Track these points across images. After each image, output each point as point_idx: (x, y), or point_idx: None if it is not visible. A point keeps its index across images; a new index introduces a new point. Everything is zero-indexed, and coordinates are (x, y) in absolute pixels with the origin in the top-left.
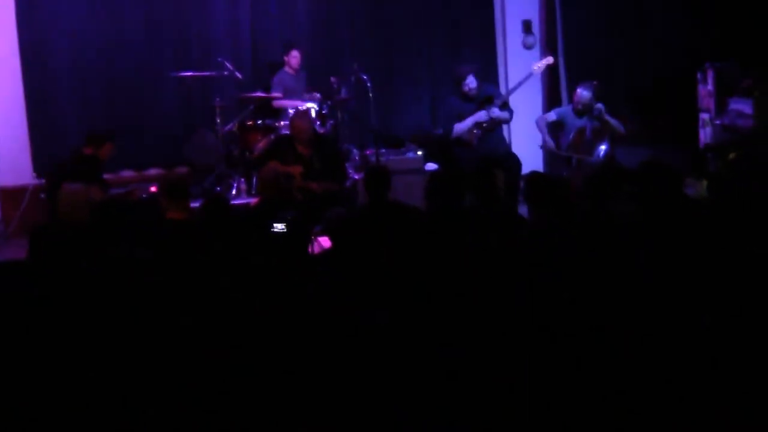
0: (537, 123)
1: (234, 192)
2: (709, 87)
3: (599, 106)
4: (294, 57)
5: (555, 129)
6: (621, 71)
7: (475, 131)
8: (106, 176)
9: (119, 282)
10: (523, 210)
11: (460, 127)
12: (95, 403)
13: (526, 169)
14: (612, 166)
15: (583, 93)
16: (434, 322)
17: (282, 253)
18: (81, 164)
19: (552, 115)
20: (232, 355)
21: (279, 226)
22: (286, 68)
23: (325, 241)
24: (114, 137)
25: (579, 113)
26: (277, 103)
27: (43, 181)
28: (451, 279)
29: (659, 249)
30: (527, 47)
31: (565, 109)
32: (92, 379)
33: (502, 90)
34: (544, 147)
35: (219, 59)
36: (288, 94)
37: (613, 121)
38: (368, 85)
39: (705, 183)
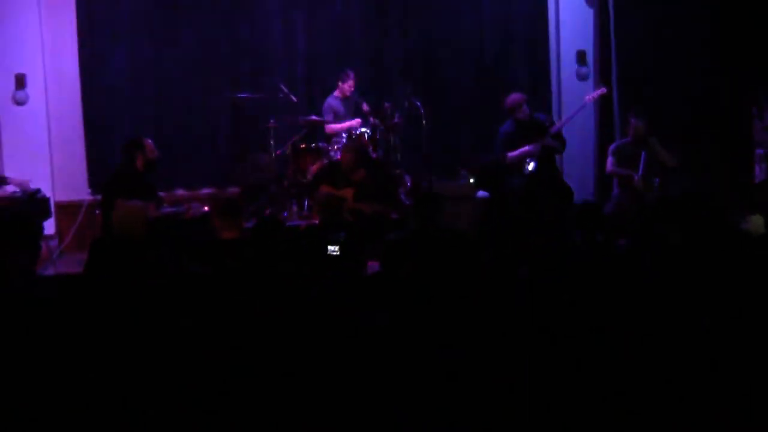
0: (609, 171)
1: (286, 214)
2: (766, 122)
3: (653, 139)
4: (347, 86)
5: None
6: (675, 102)
7: (527, 160)
8: (159, 194)
9: (175, 296)
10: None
11: (513, 155)
12: (154, 413)
13: (577, 198)
14: (664, 197)
15: (637, 122)
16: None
17: (336, 275)
18: (136, 179)
19: (611, 158)
20: (284, 374)
21: (332, 249)
22: (336, 92)
23: (374, 265)
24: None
25: (635, 143)
26: (329, 128)
27: (99, 196)
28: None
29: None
30: (581, 78)
31: (619, 144)
32: (145, 389)
33: (555, 119)
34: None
35: (274, 81)
36: (338, 120)
37: (664, 152)
38: (421, 111)
39: (760, 218)
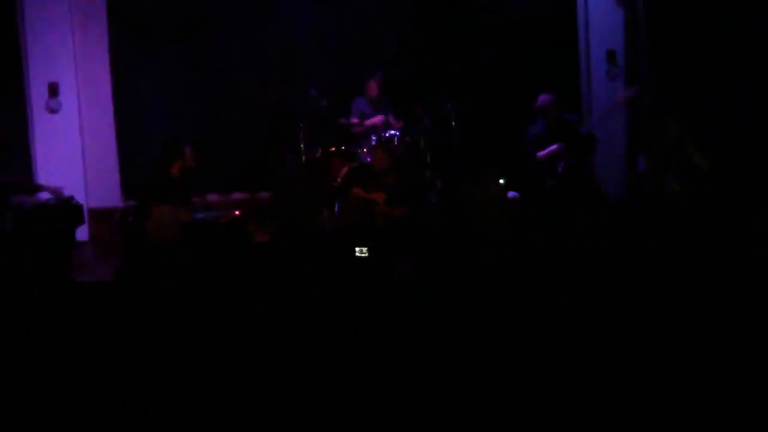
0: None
1: (315, 218)
2: None
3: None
4: (372, 88)
5: None
6: (706, 102)
7: (557, 160)
8: (192, 199)
9: (208, 299)
10: None
11: (542, 155)
12: (186, 414)
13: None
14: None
15: (671, 121)
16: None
17: (366, 276)
18: (170, 185)
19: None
20: (316, 372)
21: (361, 251)
22: (365, 95)
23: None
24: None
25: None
26: (357, 129)
27: (132, 203)
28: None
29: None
30: (611, 77)
31: (649, 146)
32: (180, 391)
33: (585, 120)
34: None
35: (304, 86)
36: (364, 120)
37: (699, 155)
38: (451, 112)
39: None
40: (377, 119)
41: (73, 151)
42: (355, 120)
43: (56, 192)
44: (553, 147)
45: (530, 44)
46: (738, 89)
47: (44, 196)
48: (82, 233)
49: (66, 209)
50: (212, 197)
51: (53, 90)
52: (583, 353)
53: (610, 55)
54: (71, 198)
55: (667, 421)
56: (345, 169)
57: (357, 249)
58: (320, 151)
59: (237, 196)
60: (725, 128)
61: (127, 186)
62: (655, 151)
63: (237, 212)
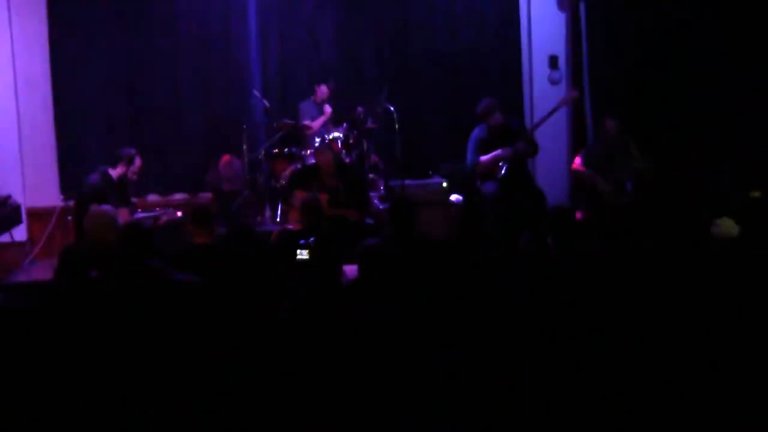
0: (574, 169)
1: (259, 219)
2: None
3: (627, 136)
4: (322, 91)
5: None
6: (645, 105)
7: (499, 164)
8: (132, 200)
9: (147, 302)
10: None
11: (485, 160)
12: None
13: (550, 202)
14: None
15: (612, 123)
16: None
17: (308, 280)
18: (110, 187)
19: (579, 159)
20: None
21: (302, 254)
22: (312, 98)
23: (350, 270)
24: (139, 153)
25: (608, 146)
26: (308, 131)
27: (70, 202)
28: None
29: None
30: (553, 83)
31: (590, 147)
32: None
33: (528, 124)
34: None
35: (247, 86)
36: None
37: (638, 154)
38: (394, 115)
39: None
40: (324, 117)
41: (10, 150)
42: (308, 122)
43: None
44: (497, 152)
45: (473, 48)
46: (677, 89)
47: None
48: (20, 233)
49: (2, 209)
50: (152, 198)
51: None
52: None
53: (552, 59)
54: (8, 197)
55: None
56: (288, 171)
57: (298, 252)
58: (263, 152)
59: (178, 196)
60: (665, 129)
61: (66, 186)
62: (596, 153)
63: (179, 213)
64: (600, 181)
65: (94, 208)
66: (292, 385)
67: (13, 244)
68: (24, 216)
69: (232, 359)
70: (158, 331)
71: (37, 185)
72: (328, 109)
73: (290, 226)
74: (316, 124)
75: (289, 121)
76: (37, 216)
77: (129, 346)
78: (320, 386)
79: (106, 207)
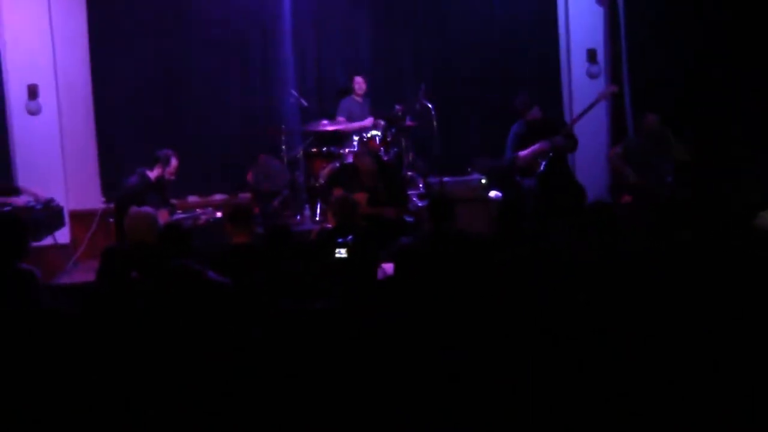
0: (611, 160)
1: (298, 218)
2: None
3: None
4: (358, 83)
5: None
6: (686, 100)
7: (538, 160)
8: (172, 201)
9: (181, 303)
10: None
11: (524, 155)
12: (166, 418)
13: (589, 198)
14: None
15: (653, 117)
16: (495, 349)
17: (345, 278)
18: (149, 188)
19: (619, 150)
20: (292, 378)
21: (341, 252)
22: (353, 95)
23: (389, 268)
24: (176, 153)
25: (648, 140)
26: (342, 128)
27: (112, 205)
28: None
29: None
30: (592, 76)
31: (630, 140)
32: (156, 394)
33: (567, 119)
34: (628, 178)
35: (285, 86)
36: (352, 120)
37: (678, 146)
38: (432, 112)
39: None
40: (367, 122)
41: (53, 153)
42: (342, 119)
43: (36, 195)
44: (535, 147)
45: (511, 43)
46: (717, 85)
47: (24, 198)
48: (63, 236)
49: (47, 212)
50: (192, 199)
51: (33, 92)
52: (580, 354)
53: (591, 54)
54: (51, 200)
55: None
56: (327, 170)
57: (336, 251)
58: (302, 152)
59: (217, 197)
60: (706, 121)
61: (107, 188)
62: (635, 147)
63: (218, 213)
64: (630, 172)
65: (134, 209)
66: (326, 384)
67: (57, 247)
68: (67, 219)
69: (262, 359)
70: (189, 331)
71: (79, 188)
72: (368, 122)
73: (329, 225)
74: (353, 125)
75: (326, 122)
76: (80, 218)
77: (161, 348)
78: (354, 385)
79: (146, 208)
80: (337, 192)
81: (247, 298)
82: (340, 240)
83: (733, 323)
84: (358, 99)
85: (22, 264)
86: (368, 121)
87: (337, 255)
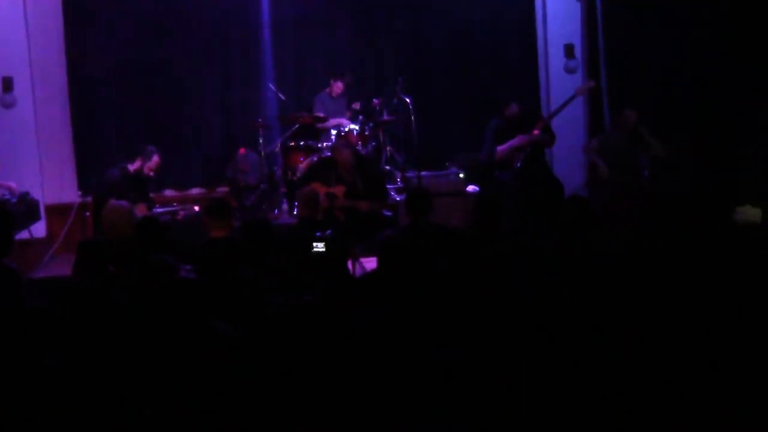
0: (586, 153)
1: (276, 212)
2: None
3: (643, 127)
4: (338, 86)
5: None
6: (662, 95)
7: (516, 154)
8: (150, 195)
9: (161, 296)
10: None
11: (502, 149)
12: (145, 416)
13: (567, 192)
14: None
15: (630, 112)
16: (476, 341)
17: (322, 272)
18: (128, 182)
19: (594, 143)
20: (270, 373)
21: (318, 246)
22: (327, 90)
23: (369, 262)
24: (159, 151)
25: (624, 135)
26: (320, 125)
27: (89, 198)
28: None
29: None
30: (569, 71)
31: (607, 135)
32: (135, 391)
33: (544, 113)
34: (599, 172)
35: (263, 80)
36: (329, 115)
37: (654, 141)
38: (410, 107)
39: (753, 208)
40: (343, 119)
41: (29, 146)
42: (320, 113)
43: (10, 188)
44: (513, 141)
45: (489, 38)
46: (694, 76)
47: None
48: (39, 230)
49: (22, 205)
50: (170, 193)
51: (7, 84)
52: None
53: (568, 48)
54: (26, 194)
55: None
56: (304, 164)
57: (315, 245)
58: (279, 145)
59: (195, 191)
60: (682, 116)
61: (83, 182)
62: (612, 142)
63: (196, 207)
64: (602, 166)
65: (112, 202)
66: (304, 382)
67: (33, 241)
68: (42, 212)
69: (237, 356)
70: (165, 326)
71: (55, 181)
72: (344, 122)
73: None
74: (329, 123)
75: (306, 114)
76: (56, 212)
77: (139, 343)
78: (334, 382)
79: (123, 202)
80: (315, 186)
81: (227, 293)
82: (317, 234)
83: (715, 317)
84: (334, 95)
85: (3, 260)
86: (344, 120)
87: (314, 249)
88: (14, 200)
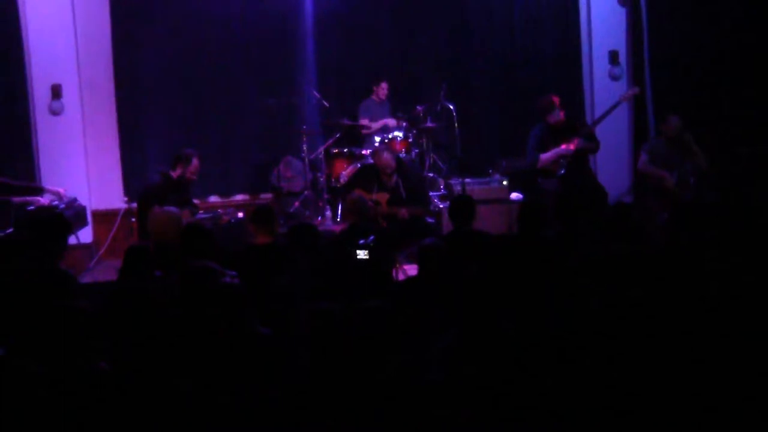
0: (642, 169)
1: (319, 219)
2: None
3: (688, 135)
4: (382, 88)
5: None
6: (707, 102)
7: (560, 161)
8: (194, 201)
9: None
10: None
11: (545, 157)
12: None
13: (611, 200)
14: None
15: (675, 120)
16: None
17: (366, 278)
18: (171, 188)
19: (645, 156)
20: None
21: (361, 253)
22: (373, 96)
23: (410, 269)
24: (198, 153)
25: (670, 142)
26: (365, 131)
27: (133, 204)
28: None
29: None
30: (614, 78)
31: (653, 143)
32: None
33: (589, 120)
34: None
35: (307, 87)
36: (373, 121)
37: (698, 152)
38: (454, 114)
39: None
40: (390, 121)
41: (76, 153)
42: (365, 121)
43: (59, 194)
44: (558, 149)
45: (533, 44)
46: (740, 84)
47: (48, 198)
48: (85, 235)
49: (70, 211)
50: (214, 199)
51: (56, 92)
52: (595, 359)
53: (613, 55)
54: (74, 200)
55: (667, 421)
56: (348, 171)
57: (358, 252)
58: (323, 152)
59: (239, 197)
60: (727, 124)
61: (129, 188)
62: (657, 149)
63: (240, 214)
64: (668, 178)
65: (158, 209)
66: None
67: (80, 246)
68: (89, 218)
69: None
70: (207, 331)
71: (102, 187)
72: (391, 121)
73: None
74: (376, 125)
75: (348, 122)
76: (102, 218)
77: (181, 346)
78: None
79: (170, 207)
80: (357, 192)
81: (271, 299)
82: (361, 242)
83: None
84: (378, 101)
85: (59, 263)
86: (390, 120)
87: (359, 256)
88: (63, 206)
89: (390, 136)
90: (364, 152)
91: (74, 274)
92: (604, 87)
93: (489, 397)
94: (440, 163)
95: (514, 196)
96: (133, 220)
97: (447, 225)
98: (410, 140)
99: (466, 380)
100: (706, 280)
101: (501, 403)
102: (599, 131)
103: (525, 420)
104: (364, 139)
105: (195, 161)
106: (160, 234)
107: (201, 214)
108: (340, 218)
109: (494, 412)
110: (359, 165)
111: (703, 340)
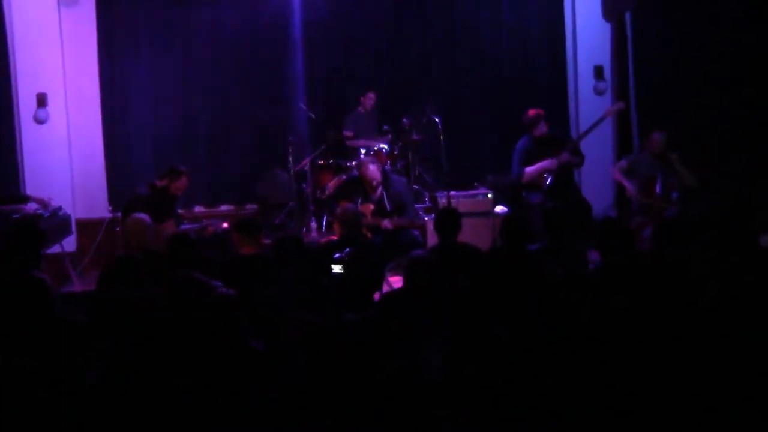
0: (613, 174)
1: (304, 230)
2: None
3: (673, 155)
4: (369, 98)
5: (626, 176)
6: (692, 117)
7: (545, 175)
8: (179, 211)
9: (201, 312)
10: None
11: (530, 171)
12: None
13: (595, 213)
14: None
15: (660, 136)
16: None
17: (341, 294)
18: (156, 198)
19: (623, 163)
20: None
21: (336, 268)
22: (360, 108)
23: (395, 281)
24: (188, 174)
25: (654, 158)
26: (350, 143)
27: (118, 214)
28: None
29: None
30: (598, 93)
31: (637, 156)
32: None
33: (573, 134)
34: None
35: (292, 99)
36: (360, 134)
37: (684, 170)
38: (439, 126)
39: None
40: (371, 142)
41: (61, 161)
42: (349, 133)
43: (44, 202)
44: (543, 163)
45: (519, 59)
46: (724, 99)
47: (33, 206)
48: (69, 244)
49: (55, 220)
50: (199, 209)
51: (41, 101)
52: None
53: (598, 70)
54: (59, 208)
55: (667, 421)
56: (333, 182)
57: (333, 267)
58: (309, 164)
59: (224, 208)
60: (712, 139)
61: (114, 197)
62: (639, 162)
63: (225, 224)
64: (629, 187)
65: (132, 215)
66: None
67: (63, 255)
68: (74, 227)
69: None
70: (194, 341)
71: (86, 197)
72: (374, 143)
73: (335, 238)
74: (361, 142)
75: (333, 132)
76: (86, 227)
77: (167, 356)
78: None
79: (141, 214)
80: (344, 205)
81: (257, 309)
82: (336, 256)
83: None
84: (364, 113)
85: (34, 272)
86: (373, 142)
87: (333, 271)
88: (47, 214)
89: (375, 148)
90: (349, 164)
91: (58, 282)
92: (589, 102)
93: (489, 397)
94: (425, 176)
95: (499, 209)
96: (118, 229)
97: (432, 237)
98: (396, 152)
99: (465, 380)
100: (694, 288)
101: (501, 403)
102: (584, 146)
103: (525, 420)
104: (350, 151)
105: (183, 179)
106: (136, 241)
107: (186, 225)
108: (329, 229)
109: (494, 412)
110: (345, 177)
111: (698, 343)
